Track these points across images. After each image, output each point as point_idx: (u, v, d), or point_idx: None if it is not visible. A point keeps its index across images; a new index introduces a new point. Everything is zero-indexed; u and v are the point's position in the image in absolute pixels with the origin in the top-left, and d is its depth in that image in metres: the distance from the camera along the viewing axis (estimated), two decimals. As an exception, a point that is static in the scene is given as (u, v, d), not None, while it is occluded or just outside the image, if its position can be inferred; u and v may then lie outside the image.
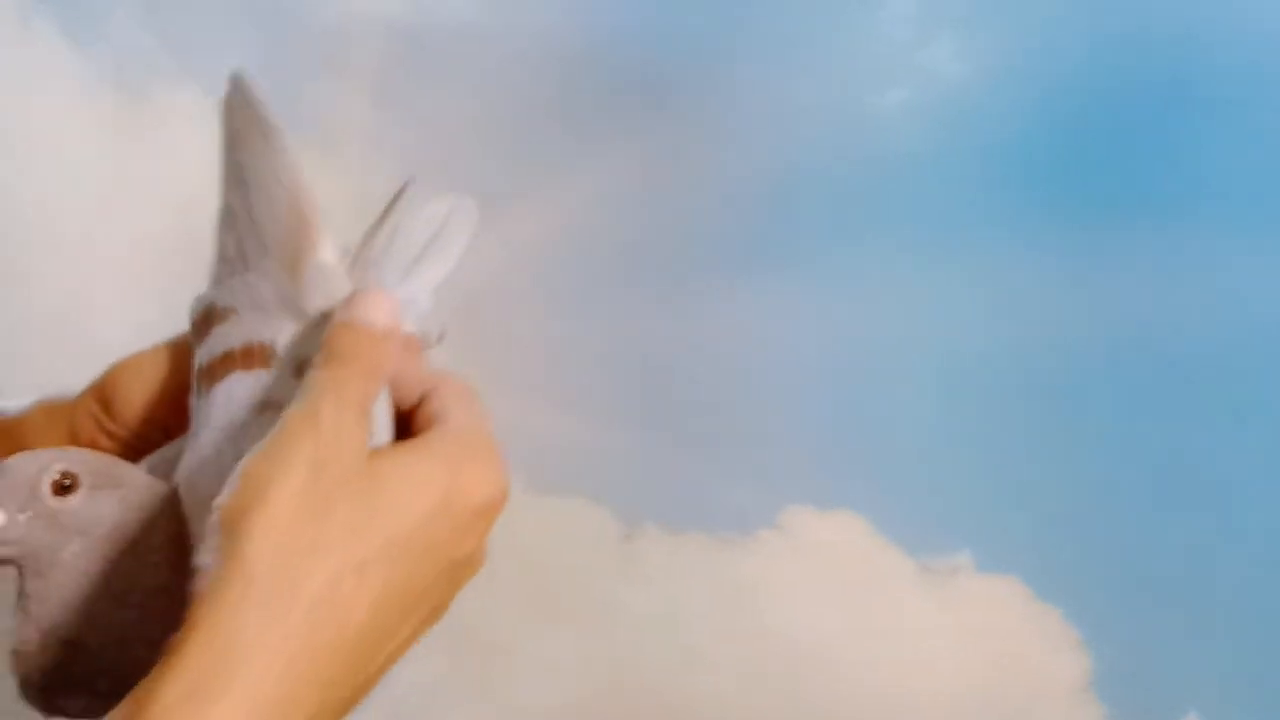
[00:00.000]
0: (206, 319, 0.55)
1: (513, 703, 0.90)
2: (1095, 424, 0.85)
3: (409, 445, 0.51)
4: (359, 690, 0.49)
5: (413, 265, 0.69)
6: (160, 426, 0.56)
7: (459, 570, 0.51)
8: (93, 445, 0.55)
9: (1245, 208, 0.79)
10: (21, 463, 0.48)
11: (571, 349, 0.81)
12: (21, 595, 0.48)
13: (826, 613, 0.90)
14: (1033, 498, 0.87)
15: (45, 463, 0.48)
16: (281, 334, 0.54)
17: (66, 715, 0.50)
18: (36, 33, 0.80)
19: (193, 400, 0.53)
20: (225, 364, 0.53)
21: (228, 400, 0.52)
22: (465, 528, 0.51)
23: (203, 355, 0.53)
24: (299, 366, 0.54)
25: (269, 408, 0.51)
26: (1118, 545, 0.88)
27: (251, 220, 0.57)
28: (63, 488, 0.48)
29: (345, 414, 0.50)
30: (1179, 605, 0.89)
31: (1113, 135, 0.78)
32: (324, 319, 0.53)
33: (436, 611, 0.51)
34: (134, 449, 0.56)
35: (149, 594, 0.49)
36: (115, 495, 0.49)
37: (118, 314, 0.87)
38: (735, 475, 0.87)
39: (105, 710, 0.48)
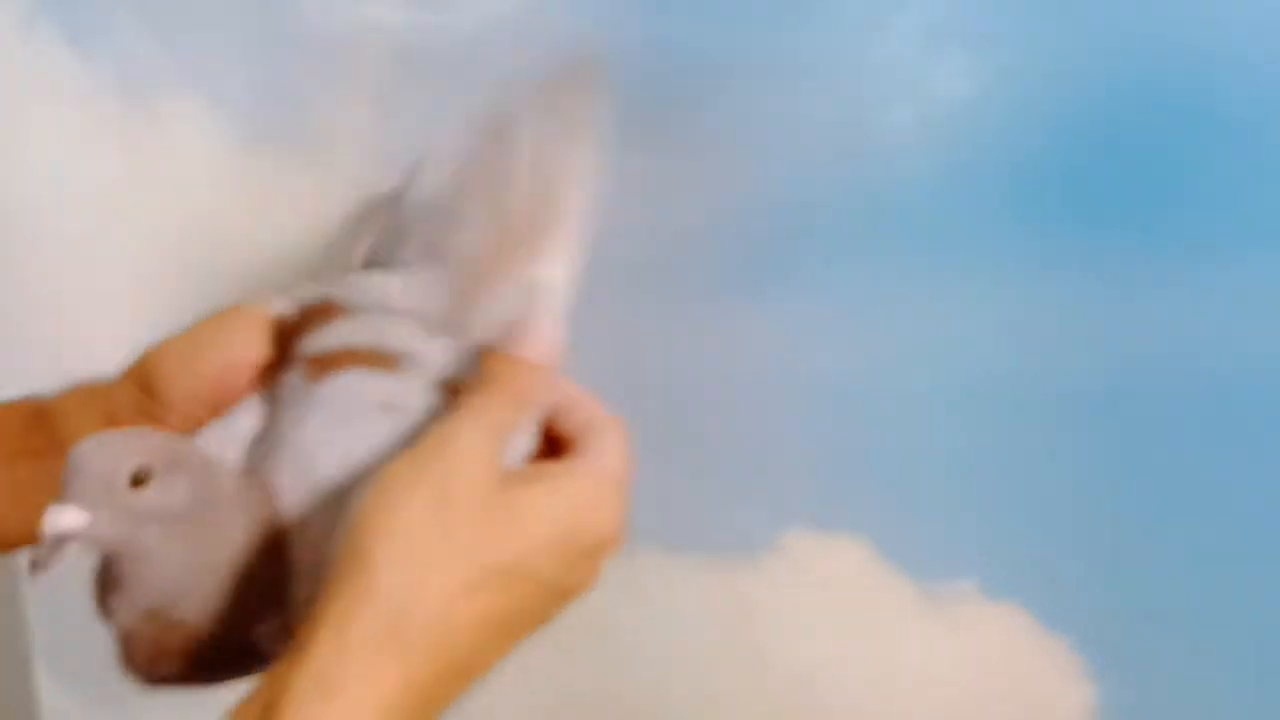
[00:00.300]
0: (318, 312, 0.58)
1: (506, 721, 0.89)
2: (1106, 449, 0.84)
3: (543, 473, 0.55)
4: (456, 693, 0.52)
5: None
6: (205, 405, 0.59)
7: (564, 597, 0.55)
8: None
9: (1264, 232, 0.77)
10: (94, 458, 0.50)
11: (571, 363, 0.80)
12: (115, 580, 0.52)
13: (827, 636, 0.89)
14: (1040, 524, 0.86)
15: (118, 456, 0.50)
16: (418, 344, 0.57)
17: (166, 684, 0.53)
18: (39, 38, 0.81)
19: (287, 381, 0.57)
20: (343, 359, 0.56)
21: (345, 392, 0.55)
22: (577, 562, 0.54)
23: (311, 344, 0.57)
24: (451, 384, 0.56)
25: (393, 410, 0.54)
26: (1127, 574, 0.87)
27: (462, 219, 0.59)
28: (138, 480, 0.51)
29: (481, 439, 0.53)
30: (1188, 636, 0.88)
31: (1125, 156, 0.76)
32: (488, 341, 0.56)
33: (535, 629, 0.55)
34: (176, 429, 0.59)
35: (232, 566, 0.52)
36: (185, 478, 0.52)
37: (119, 321, 0.87)
38: (736, 495, 0.86)
39: (201, 677, 0.54)
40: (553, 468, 0.55)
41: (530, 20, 0.79)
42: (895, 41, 0.76)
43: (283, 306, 0.60)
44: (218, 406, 0.60)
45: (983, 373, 0.81)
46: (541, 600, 0.54)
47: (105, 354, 0.87)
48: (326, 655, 0.49)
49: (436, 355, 0.57)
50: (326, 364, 0.57)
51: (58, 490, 0.52)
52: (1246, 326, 0.79)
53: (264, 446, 0.56)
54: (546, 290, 0.58)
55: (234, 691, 0.52)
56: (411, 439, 0.53)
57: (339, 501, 0.52)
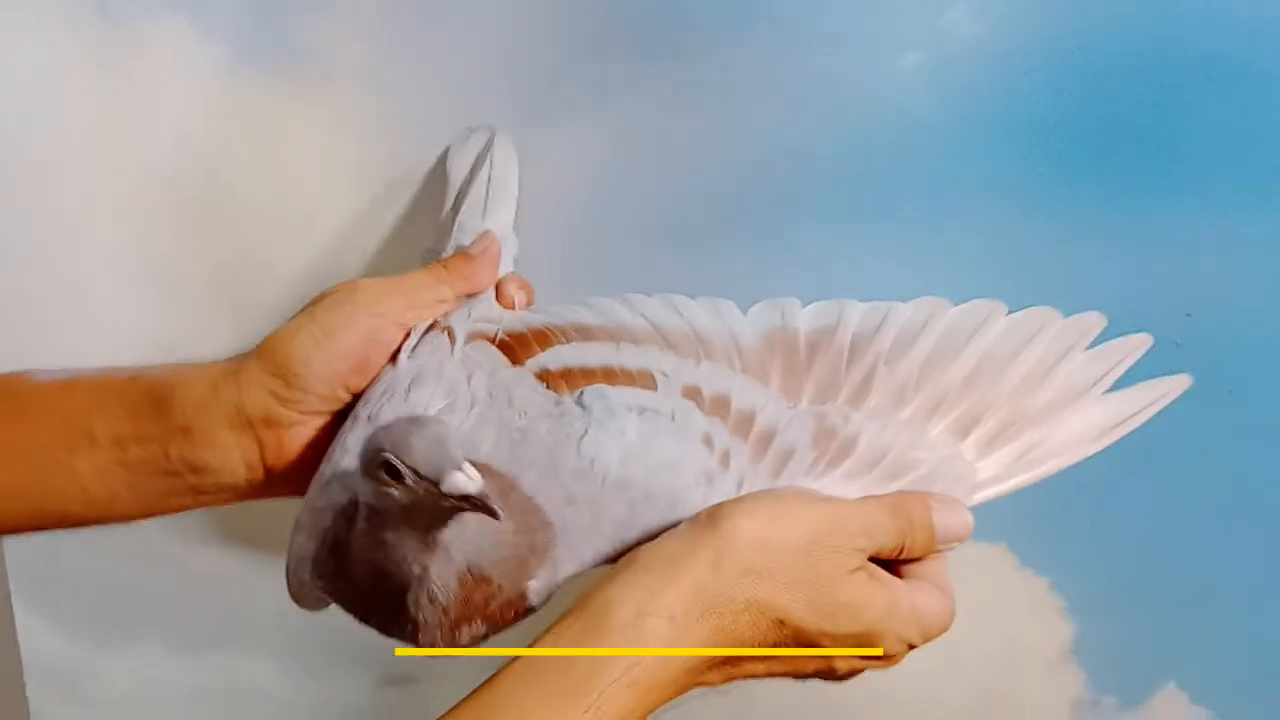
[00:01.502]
0: (539, 337, 0.65)
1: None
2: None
3: (888, 581, 0.61)
4: (711, 682, 0.58)
5: (485, 211, 0.73)
6: (345, 386, 0.63)
7: (828, 674, 0.60)
8: (268, 416, 0.62)
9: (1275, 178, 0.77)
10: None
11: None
12: (431, 548, 0.56)
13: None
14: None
15: (459, 467, 0.54)
16: (664, 364, 0.64)
17: (463, 644, 0.58)
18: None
19: (500, 380, 0.63)
20: (579, 376, 0.64)
21: (600, 399, 0.62)
22: (854, 659, 0.60)
23: (539, 363, 0.64)
24: (692, 390, 0.63)
25: (648, 412, 0.61)
26: (1106, 519, 0.88)
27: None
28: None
29: (861, 529, 0.59)
30: (1162, 577, 0.89)
31: (1141, 102, 0.76)
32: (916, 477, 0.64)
33: (785, 675, 0.60)
34: (313, 412, 0.63)
35: (511, 529, 0.58)
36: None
37: (99, 246, 0.84)
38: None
39: (488, 633, 0.58)
40: (893, 579, 0.61)
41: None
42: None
43: (485, 328, 0.67)
44: (356, 386, 0.63)
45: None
46: (810, 667, 0.60)
47: (85, 278, 0.85)
48: (660, 596, 0.54)
49: (690, 375, 0.64)
50: (568, 378, 0.64)
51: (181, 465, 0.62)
52: (1246, 277, 0.79)
53: (485, 433, 0.62)
54: (971, 479, 0.66)
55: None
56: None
57: (614, 485, 0.59)
